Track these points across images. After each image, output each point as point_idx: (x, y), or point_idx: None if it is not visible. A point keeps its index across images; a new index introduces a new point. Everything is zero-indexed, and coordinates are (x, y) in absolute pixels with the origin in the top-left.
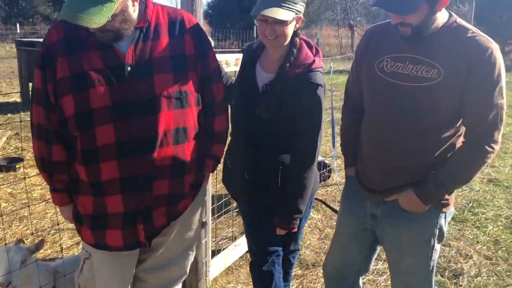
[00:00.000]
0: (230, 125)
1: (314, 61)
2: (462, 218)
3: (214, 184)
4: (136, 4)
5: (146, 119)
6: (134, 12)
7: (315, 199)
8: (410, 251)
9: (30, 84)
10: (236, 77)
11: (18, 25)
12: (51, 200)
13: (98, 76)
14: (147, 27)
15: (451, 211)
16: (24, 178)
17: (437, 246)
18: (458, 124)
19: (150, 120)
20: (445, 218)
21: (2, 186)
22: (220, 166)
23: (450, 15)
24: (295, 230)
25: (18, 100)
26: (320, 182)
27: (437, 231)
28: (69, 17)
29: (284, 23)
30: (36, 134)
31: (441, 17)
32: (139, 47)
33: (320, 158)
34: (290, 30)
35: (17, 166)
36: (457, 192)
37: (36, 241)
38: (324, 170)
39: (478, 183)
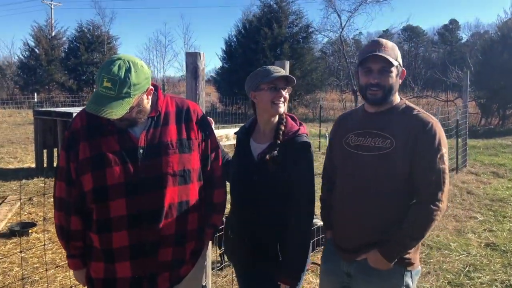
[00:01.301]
0: (229, 196)
1: (299, 129)
2: (458, 282)
3: (214, 249)
4: (150, 97)
5: (154, 194)
6: (148, 104)
7: (313, 263)
8: None
9: (45, 151)
10: (233, 154)
11: (36, 94)
12: (60, 264)
13: (114, 157)
14: (158, 116)
15: (417, 270)
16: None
17: None
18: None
19: (157, 195)
20: (411, 276)
21: (15, 251)
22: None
23: (401, 99)
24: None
25: (33, 165)
26: (320, 246)
27: None
28: (94, 111)
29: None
30: (58, 206)
31: (396, 98)
32: (150, 132)
33: (320, 222)
34: None
35: (29, 231)
36: (454, 256)
37: None
38: (323, 235)
39: (476, 247)
